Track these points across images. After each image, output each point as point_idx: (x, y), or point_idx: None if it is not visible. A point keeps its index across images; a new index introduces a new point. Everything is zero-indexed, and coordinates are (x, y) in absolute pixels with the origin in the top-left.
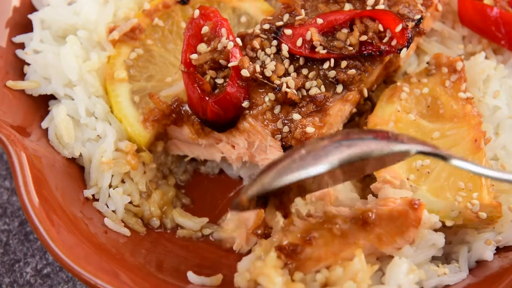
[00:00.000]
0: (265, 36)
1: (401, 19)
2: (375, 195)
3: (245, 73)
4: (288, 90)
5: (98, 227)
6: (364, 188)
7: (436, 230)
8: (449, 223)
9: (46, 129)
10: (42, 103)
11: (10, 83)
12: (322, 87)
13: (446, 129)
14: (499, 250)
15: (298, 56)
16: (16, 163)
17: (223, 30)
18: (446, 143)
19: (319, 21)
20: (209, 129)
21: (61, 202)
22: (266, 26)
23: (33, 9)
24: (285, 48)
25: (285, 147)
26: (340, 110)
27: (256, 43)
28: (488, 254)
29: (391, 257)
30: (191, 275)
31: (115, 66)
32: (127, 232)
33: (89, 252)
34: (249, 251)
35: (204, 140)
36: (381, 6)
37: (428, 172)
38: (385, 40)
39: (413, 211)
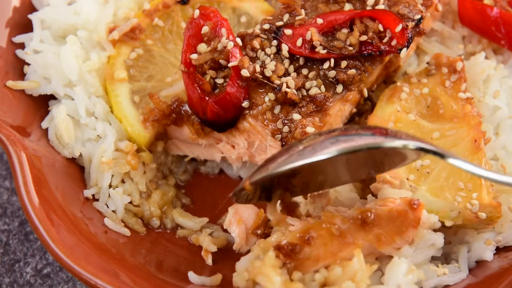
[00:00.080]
0: (265, 36)
1: (401, 19)
2: (375, 195)
3: (245, 73)
4: (288, 90)
5: (98, 227)
6: (364, 188)
7: (435, 230)
8: (448, 223)
9: (46, 129)
10: (42, 103)
11: (10, 83)
12: (322, 87)
13: (446, 129)
14: (499, 250)
15: (298, 56)
16: (16, 163)
17: (223, 30)
18: (446, 143)
19: (319, 21)
20: (209, 129)
21: (61, 202)
22: (266, 26)
23: (33, 9)
24: (285, 48)
25: None
26: (340, 110)
27: (256, 43)
28: (488, 254)
29: (390, 257)
30: (192, 275)
31: (115, 66)
32: (127, 232)
33: (89, 252)
34: (249, 251)
35: (204, 140)
36: (381, 6)
37: (428, 172)
38: (385, 40)
39: (412, 211)
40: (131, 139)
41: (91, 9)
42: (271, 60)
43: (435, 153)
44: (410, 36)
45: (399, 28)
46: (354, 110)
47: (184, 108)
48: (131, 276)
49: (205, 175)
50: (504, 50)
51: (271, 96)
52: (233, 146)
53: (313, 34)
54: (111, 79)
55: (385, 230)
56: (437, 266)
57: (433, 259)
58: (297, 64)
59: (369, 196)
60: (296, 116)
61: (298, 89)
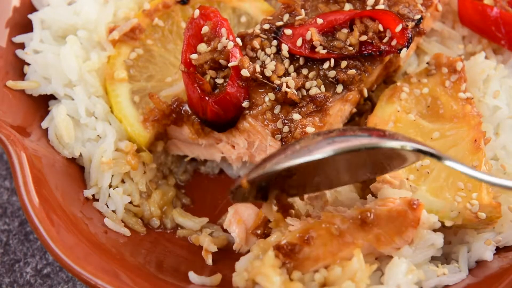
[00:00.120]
0: (265, 36)
1: (401, 19)
2: (375, 195)
3: (245, 73)
4: (288, 90)
5: (98, 227)
6: (364, 188)
7: (435, 230)
8: (448, 223)
9: (46, 129)
10: (42, 103)
11: (10, 83)
12: (322, 87)
13: (446, 129)
14: (499, 250)
15: (298, 56)
16: (16, 163)
17: (223, 30)
18: (446, 144)
19: (319, 21)
20: (209, 129)
21: (61, 202)
22: (266, 26)
23: (33, 9)
24: (285, 48)
25: None
26: (340, 110)
27: (256, 43)
28: (488, 254)
29: (390, 257)
30: (192, 275)
31: (115, 66)
32: (127, 232)
33: (89, 252)
34: (249, 251)
35: (204, 140)
36: (381, 6)
37: (428, 172)
38: (385, 40)
39: (411, 211)
40: (131, 139)
41: (91, 9)
42: (271, 60)
43: (431, 155)
44: (410, 36)
45: (399, 28)
46: (354, 110)
47: (184, 108)
48: (131, 276)
49: (205, 175)
50: (504, 50)
51: (271, 96)
52: (233, 146)
53: (313, 34)
54: (111, 79)
55: (384, 230)
56: (437, 266)
57: (433, 259)
58: (297, 64)
59: (369, 196)
60: (296, 116)
61: (298, 89)
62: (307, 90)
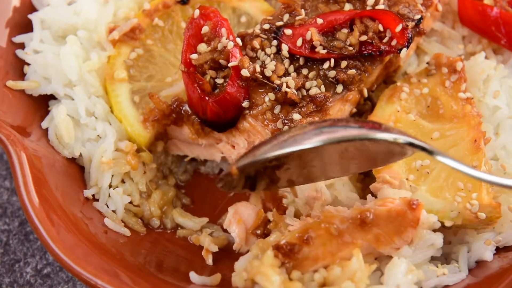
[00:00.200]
0: (265, 36)
1: (401, 19)
2: (375, 195)
3: (245, 73)
4: (288, 90)
5: (98, 227)
6: (364, 188)
7: (435, 230)
8: (448, 223)
9: (46, 129)
10: (42, 103)
11: (10, 83)
12: (322, 87)
13: (446, 129)
14: (499, 250)
15: (298, 56)
16: (16, 163)
17: (223, 30)
18: (446, 143)
19: (319, 21)
20: (209, 129)
21: (61, 202)
22: (266, 26)
23: (33, 9)
24: (285, 48)
25: None
26: (340, 110)
27: (256, 43)
28: (487, 254)
29: (390, 257)
30: (193, 275)
31: (115, 66)
32: (127, 232)
33: (89, 252)
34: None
35: (204, 140)
36: (381, 6)
37: (428, 172)
38: (385, 40)
39: (411, 211)
40: (131, 139)
41: (91, 9)
42: (271, 60)
43: (423, 149)
44: (410, 36)
45: (399, 28)
46: (354, 110)
47: (184, 108)
48: (131, 276)
49: (205, 175)
50: (504, 50)
51: (271, 96)
52: (233, 146)
53: (313, 34)
54: (111, 79)
55: (384, 230)
56: (437, 266)
57: (433, 259)
58: (297, 64)
59: (369, 196)
60: (296, 116)
61: (298, 89)
62: (307, 90)
